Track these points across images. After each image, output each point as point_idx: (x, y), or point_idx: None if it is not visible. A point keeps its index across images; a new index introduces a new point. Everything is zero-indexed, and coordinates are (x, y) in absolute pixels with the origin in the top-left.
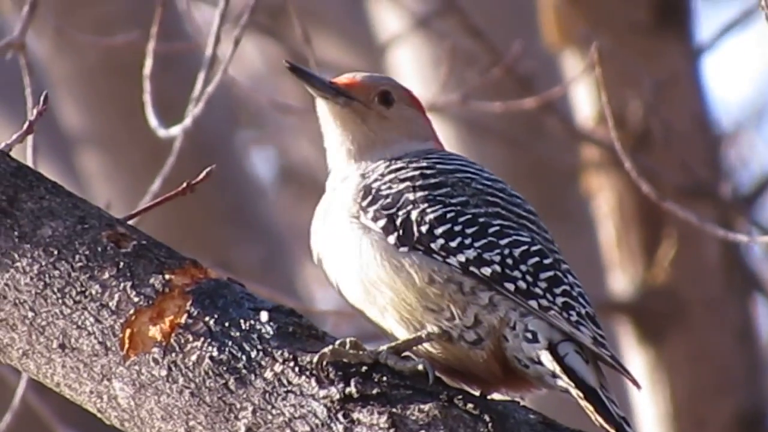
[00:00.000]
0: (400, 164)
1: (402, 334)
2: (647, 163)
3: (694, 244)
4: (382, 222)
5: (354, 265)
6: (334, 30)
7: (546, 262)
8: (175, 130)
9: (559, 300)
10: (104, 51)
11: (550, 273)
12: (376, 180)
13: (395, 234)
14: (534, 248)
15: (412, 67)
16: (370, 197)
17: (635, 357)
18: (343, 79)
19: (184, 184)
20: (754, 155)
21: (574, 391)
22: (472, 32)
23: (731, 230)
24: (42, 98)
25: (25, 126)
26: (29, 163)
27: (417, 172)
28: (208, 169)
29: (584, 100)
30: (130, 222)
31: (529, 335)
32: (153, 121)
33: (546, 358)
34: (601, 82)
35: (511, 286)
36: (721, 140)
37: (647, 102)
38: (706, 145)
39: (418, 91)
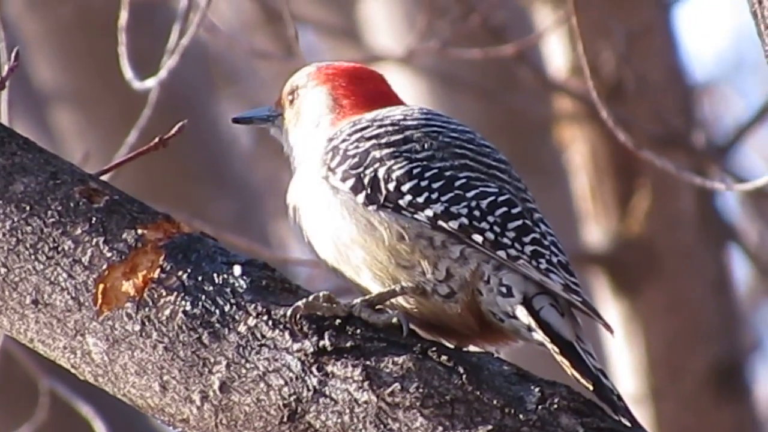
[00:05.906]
0: (365, 123)
1: (377, 290)
2: (620, 114)
3: (668, 195)
4: (350, 182)
5: (325, 226)
6: None
7: (514, 211)
8: (151, 82)
9: (528, 249)
10: (76, 7)
11: (519, 222)
12: (343, 141)
13: (363, 193)
14: (501, 198)
15: (384, 19)
16: (338, 158)
17: (610, 308)
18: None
19: (156, 139)
20: (729, 109)
21: (550, 346)
22: None
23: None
24: (13, 54)
25: None
26: (2, 119)
27: (382, 130)
28: (180, 123)
29: (556, 52)
30: (103, 177)
31: (504, 289)
32: (128, 72)
33: (521, 312)
34: (577, 31)
35: (479, 238)
36: (695, 92)
37: (620, 53)
38: (679, 96)
39: (390, 44)
